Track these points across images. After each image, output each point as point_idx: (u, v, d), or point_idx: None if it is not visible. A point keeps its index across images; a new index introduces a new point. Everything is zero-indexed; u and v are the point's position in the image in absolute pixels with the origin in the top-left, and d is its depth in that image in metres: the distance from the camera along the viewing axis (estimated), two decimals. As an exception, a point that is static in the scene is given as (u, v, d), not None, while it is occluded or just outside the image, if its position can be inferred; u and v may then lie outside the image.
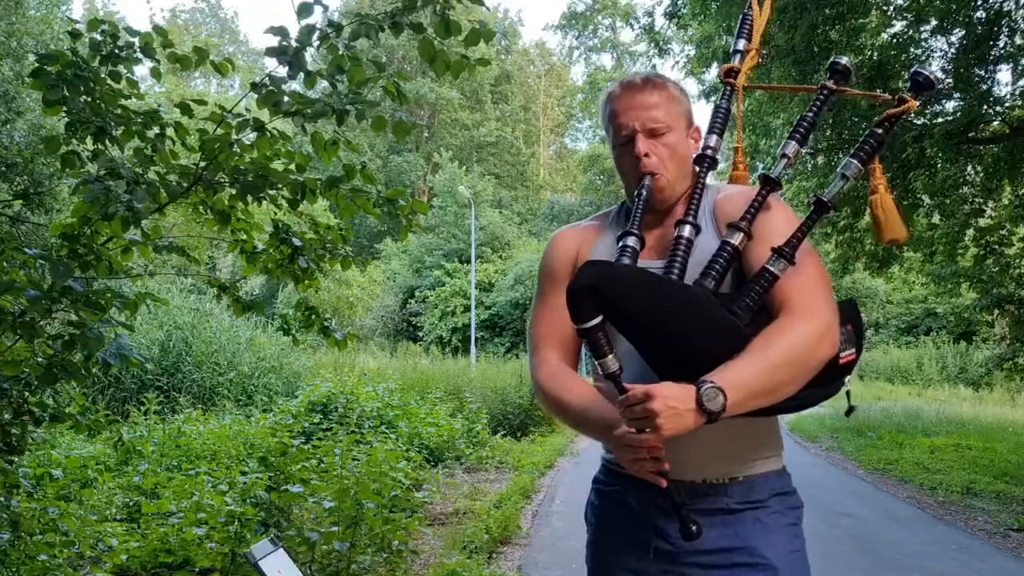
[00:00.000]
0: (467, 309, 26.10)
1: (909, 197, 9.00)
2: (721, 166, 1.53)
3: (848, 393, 1.36)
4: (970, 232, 9.39)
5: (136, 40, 2.49)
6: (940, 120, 8.07)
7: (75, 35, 2.50)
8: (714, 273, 1.28)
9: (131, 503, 4.52)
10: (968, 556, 4.94)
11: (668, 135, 1.39)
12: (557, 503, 6.34)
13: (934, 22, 7.84)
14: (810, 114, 1.37)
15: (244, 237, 2.99)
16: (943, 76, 7.78)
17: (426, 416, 8.31)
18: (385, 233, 33.42)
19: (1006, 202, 9.66)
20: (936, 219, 9.72)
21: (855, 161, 1.29)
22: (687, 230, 1.34)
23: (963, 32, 7.54)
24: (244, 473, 4.66)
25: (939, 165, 8.68)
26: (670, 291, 1.25)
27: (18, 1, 10.99)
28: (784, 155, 1.36)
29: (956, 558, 4.89)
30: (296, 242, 2.89)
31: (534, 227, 37.62)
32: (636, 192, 1.40)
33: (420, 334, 28.59)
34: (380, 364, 14.16)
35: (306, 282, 2.99)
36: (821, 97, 1.38)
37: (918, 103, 1.29)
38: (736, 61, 1.50)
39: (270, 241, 2.95)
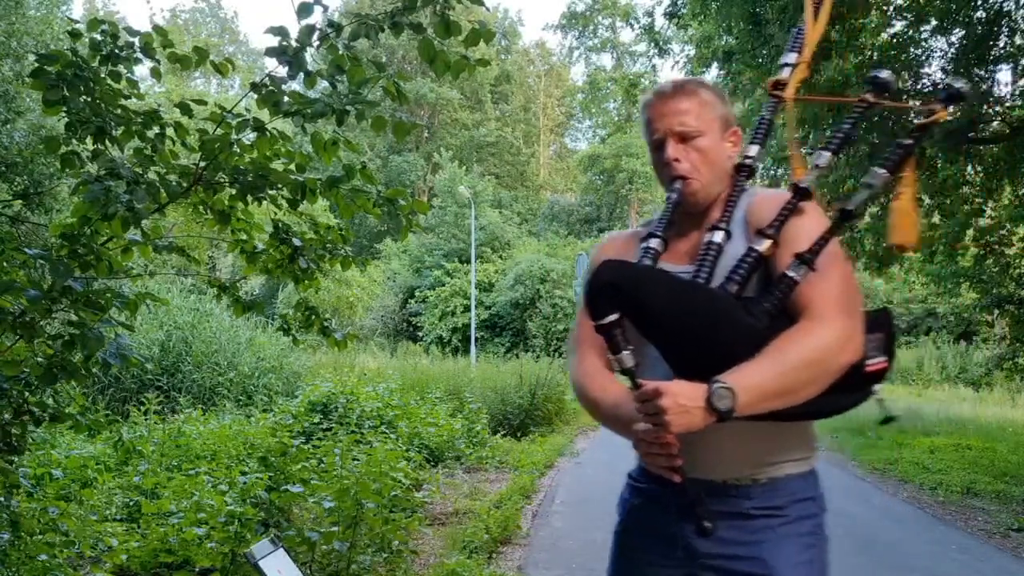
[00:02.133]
0: (467, 309, 26.10)
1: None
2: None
3: (880, 401, 1.35)
4: (970, 232, 9.39)
5: (136, 40, 2.49)
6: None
7: (75, 35, 2.50)
8: (737, 278, 1.30)
9: (131, 503, 4.52)
10: (968, 556, 4.94)
11: (700, 139, 1.42)
12: (557, 503, 6.34)
13: (934, 22, 7.84)
14: (846, 126, 1.39)
15: (244, 237, 2.99)
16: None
17: (426, 416, 8.30)
18: (385, 233, 33.43)
19: (1006, 202, 9.66)
20: (936, 219, 9.72)
21: (881, 171, 1.29)
22: (718, 236, 1.37)
23: (963, 32, 7.54)
24: (244, 473, 4.66)
25: (939, 165, 8.68)
26: (689, 291, 1.28)
27: (18, 1, 10.99)
28: (816, 165, 1.37)
29: (956, 558, 4.89)
30: (296, 242, 2.89)
31: (534, 227, 37.63)
32: (667, 196, 1.44)
33: (420, 334, 28.58)
34: (380, 364, 14.16)
35: (306, 282, 2.99)
36: (859, 109, 1.39)
37: (948, 113, 1.30)
38: (785, 74, 1.51)
39: (270, 241, 2.95)
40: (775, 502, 1.36)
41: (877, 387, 1.31)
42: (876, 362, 1.29)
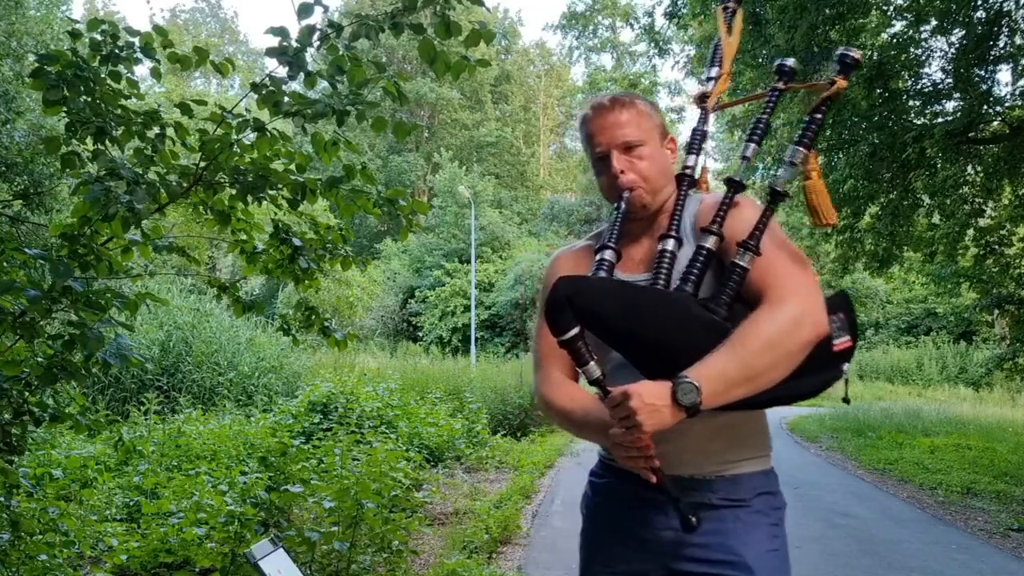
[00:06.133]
0: (467, 309, 26.10)
1: (909, 197, 9.01)
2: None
3: (846, 382, 1.37)
4: (970, 232, 9.39)
5: (136, 40, 2.49)
6: (940, 120, 8.08)
7: (75, 35, 2.50)
8: (692, 278, 1.34)
9: (131, 503, 4.52)
10: (968, 556, 4.94)
11: (642, 148, 1.47)
12: (557, 503, 6.34)
13: (934, 22, 7.84)
14: (765, 116, 1.45)
15: (244, 237, 2.99)
16: (942, 76, 7.77)
17: (426, 416, 8.30)
18: (385, 233, 33.44)
19: (1006, 202, 9.66)
20: (936, 219, 9.73)
21: (801, 148, 1.36)
22: (670, 244, 1.40)
23: (963, 32, 7.54)
24: (244, 473, 4.66)
25: (939, 165, 8.68)
26: (644, 296, 1.32)
27: (18, 1, 10.99)
28: (744, 157, 1.45)
29: (956, 558, 4.89)
30: (296, 242, 2.89)
31: (534, 227, 37.60)
32: (615, 207, 1.47)
33: (420, 334, 28.58)
34: (380, 364, 14.16)
35: (306, 282, 2.99)
36: (773, 98, 1.46)
37: (846, 83, 1.36)
38: (709, 87, 1.57)
39: (270, 241, 2.95)
40: (739, 495, 1.40)
41: (845, 366, 1.34)
42: (842, 341, 1.32)
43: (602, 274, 1.41)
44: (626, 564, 1.46)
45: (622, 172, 1.45)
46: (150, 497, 4.46)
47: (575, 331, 1.24)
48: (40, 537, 3.13)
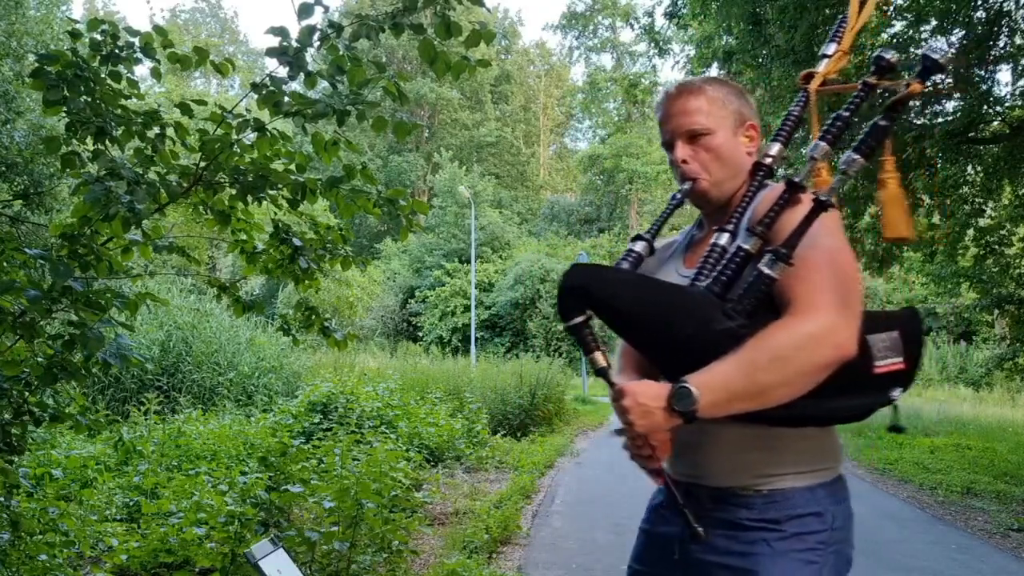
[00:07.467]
0: (467, 309, 26.11)
1: (909, 197, 9.00)
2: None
3: (895, 408, 1.26)
4: (970, 232, 9.40)
5: (136, 40, 2.49)
6: (940, 120, 8.08)
7: (75, 35, 2.50)
8: (723, 278, 1.24)
9: (131, 503, 4.52)
10: (968, 556, 4.94)
11: (710, 137, 1.39)
12: (557, 503, 6.34)
13: (934, 22, 7.84)
14: (846, 113, 1.28)
15: (244, 237, 2.99)
16: (944, 75, 7.77)
17: (426, 416, 8.30)
18: (385, 233, 33.47)
19: (1006, 202, 9.66)
20: (936, 219, 9.73)
21: (857, 156, 1.20)
22: (723, 238, 1.32)
23: (963, 32, 7.54)
24: (244, 473, 4.66)
25: (939, 165, 8.68)
26: (660, 292, 1.26)
27: (18, 1, 11.00)
28: (811, 157, 1.28)
29: (956, 558, 4.89)
30: (296, 242, 2.89)
31: (534, 227, 37.64)
32: (671, 196, 1.42)
33: (420, 334, 28.58)
34: (380, 364, 14.16)
35: (306, 282, 2.99)
36: (861, 95, 1.29)
37: (921, 87, 1.20)
38: (820, 66, 1.42)
39: (270, 241, 2.96)
40: (771, 515, 1.28)
41: (895, 392, 1.21)
42: (888, 363, 1.19)
43: (625, 265, 1.35)
44: (660, 569, 1.42)
45: (683, 162, 1.39)
46: (150, 497, 4.46)
47: (579, 319, 1.22)
48: (40, 537, 3.13)
